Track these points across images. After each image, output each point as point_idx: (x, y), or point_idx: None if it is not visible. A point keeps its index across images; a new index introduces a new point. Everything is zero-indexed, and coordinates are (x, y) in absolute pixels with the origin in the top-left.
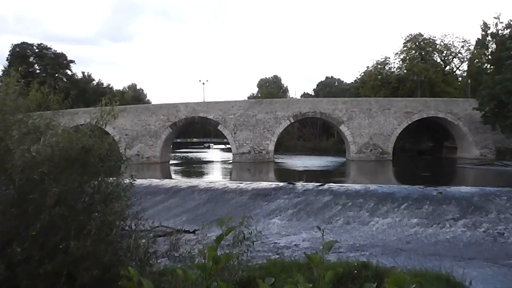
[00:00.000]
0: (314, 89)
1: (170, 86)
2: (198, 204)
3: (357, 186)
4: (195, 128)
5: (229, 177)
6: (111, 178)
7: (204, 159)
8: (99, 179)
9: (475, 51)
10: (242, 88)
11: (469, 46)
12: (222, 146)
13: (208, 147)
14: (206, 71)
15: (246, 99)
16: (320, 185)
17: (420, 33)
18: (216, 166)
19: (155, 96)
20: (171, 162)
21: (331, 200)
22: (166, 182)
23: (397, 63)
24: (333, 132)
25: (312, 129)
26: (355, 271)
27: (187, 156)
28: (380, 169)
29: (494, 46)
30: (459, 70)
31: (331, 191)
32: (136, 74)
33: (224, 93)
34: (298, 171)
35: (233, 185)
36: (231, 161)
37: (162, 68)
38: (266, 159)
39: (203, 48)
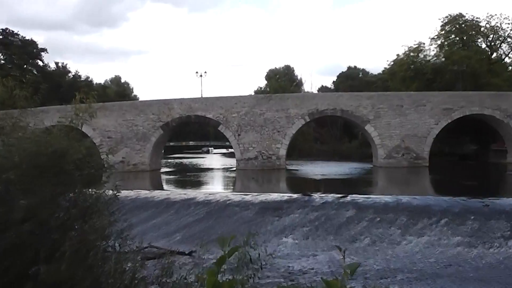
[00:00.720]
0: (333, 82)
1: (162, 80)
2: (195, 220)
3: (387, 198)
4: (191, 129)
5: (232, 187)
6: (90, 189)
7: (202, 166)
8: (76, 190)
9: None
10: (247, 82)
11: None
12: (224, 151)
13: (207, 152)
14: (205, 62)
15: (253, 94)
16: (341, 197)
17: (461, 13)
18: (217, 175)
19: (144, 91)
20: (163, 170)
21: (355, 215)
22: (157, 194)
23: (434, 50)
24: (357, 134)
25: (331, 130)
26: None
27: (182, 162)
28: (414, 177)
29: None
30: (509, 57)
31: (355, 204)
32: (120, 65)
33: (226, 87)
34: (315, 180)
35: (236, 197)
36: (234, 169)
37: (152, 59)
38: (276, 166)
39: (201, 35)
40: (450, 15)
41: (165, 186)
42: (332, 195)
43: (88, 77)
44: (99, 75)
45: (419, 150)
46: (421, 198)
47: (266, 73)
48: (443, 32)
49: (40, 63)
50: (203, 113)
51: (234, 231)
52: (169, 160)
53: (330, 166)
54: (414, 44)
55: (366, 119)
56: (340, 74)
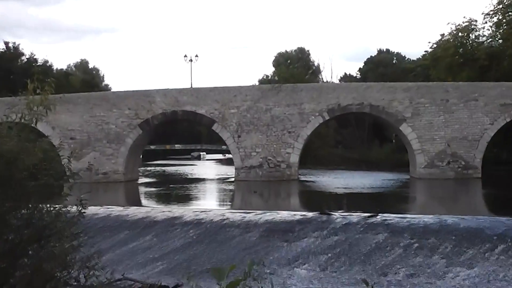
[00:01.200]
0: (360, 70)
1: (141, 66)
2: (182, 245)
3: (427, 219)
4: (178, 129)
5: (229, 203)
6: (48, 205)
7: (191, 176)
8: (30, 205)
9: None
10: (250, 69)
11: None
12: (219, 157)
13: (198, 158)
14: (196, 44)
15: (257, 84)
16: (369, 217)
17: None
18: (210, 187)
19: (118, 80)
20: (141, 180)
21: (386, 239)
22: (134, 212)
23: (489, 30)
24: (390, 136)
25: (357, 131)
26: None
27: (166, 171)
28: (462, 192)
29: None
30: None
31: (386, 225)
32: (88, 46)
33: (223, 76)
34: (335, 194)
35: (236, 215)
36: (233, 179)
37: (129, 38)
38: (286, 176)
39: (192, 9)
40: None
41: (144, 201)
42: (357, 214)
43: (46, 61)
44: (61, 59)
45: (469, 158)
46: (472, 219)
47: (274, 58)
48: (500, 6)
49: None
50: (193, 108)
51: (232, 260)
52: (150, 168)
53: (355, 177)
54: (464, 22)
55: (402, 117)
56: (368, 59)
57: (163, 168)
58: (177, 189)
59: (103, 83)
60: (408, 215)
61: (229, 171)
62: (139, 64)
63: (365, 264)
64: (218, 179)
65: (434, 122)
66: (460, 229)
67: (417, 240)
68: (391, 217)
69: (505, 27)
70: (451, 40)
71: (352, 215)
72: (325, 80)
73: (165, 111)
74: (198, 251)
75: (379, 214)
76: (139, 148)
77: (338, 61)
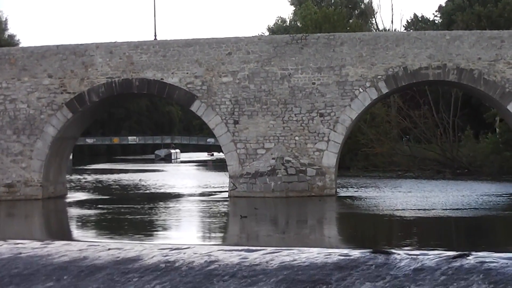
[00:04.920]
0: (439, 9)
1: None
2: None
3: None
4: (133, 110)
5: (220, 235)
6: None
7: (156, 190)
8: None
9: None
10: (254, 10)
11: None
12: (202, 156)
13: (167, 159)
14: None
15: (266, 34)
16: (456, 257)
17: None
18: (188, 209)
19: (32, 30)
20: (72, 196)
21: None
22: (59, 250)
23: None
24: (492, 122)
25: (436, 115)
26: None
27: (113, 181)
28: None
29: None
30: None
31: (485, 272)
32: None
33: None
34: (400, 220)
35: (231, 256)
36: (226, 195)
37: None
38: (316, 189)
39: None
40: None
41: (76, 233)
42: (436, 253)
43: None
44: None
45: None
46: None
47: None
48: None
49: None
50: (158, 76)
51: None
52: (86, 177)
53: (434, 190)
54: None
55: (511, 89)
56: None
57: (109, 176)
58: (133, 212)
59: (6, 33)
60: None
61: (220, 181)
62: (68, 7)
63: None
64: (201, 194)
65: None
66: None
67: None
68: (493, 258)
69: None
70: None
71: (428, 255)
72: (381, 28)
73: (110, 79)
74: None
75: (472, 253)
76: (68, 143)
77: None
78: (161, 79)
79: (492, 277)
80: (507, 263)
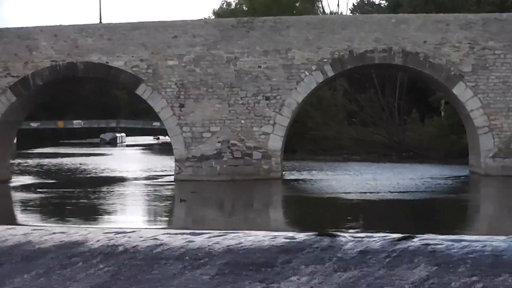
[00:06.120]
0: None
1: None
2: None
3: (499, 242)
4: (78, 94)
5: (166, 219)
6: None
7: (101, 174)
8: None
9: None
10: None
11: None
12: (148, 140)
13: (113, 142)
14: None
15: (212, 17)
16: (402, 240)
17: None
18: (133, 192)
19: None
20: (16, 180)
21: (430, 277)
22: (1, 235)
23: None
24: (437, 105)
25: (382, 98)
26: None
27: (58, 165)
28: None
29: None
30: None
31: (430, 254)
32: None
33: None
34: (346, 203)
35: (176, 239)
36: (172, 179)
37: None
38: (263, 172)
39: None
40: None
41: (20, 217)
42: (381, 235)
43: None
44: None
45: None
46: None
47: None
48: None
49: None
50: (103, 59)
51: None
52: (29, 161)
53: (380, 173)
54: None
55: (457, 72)
56: None
57: (54, 160)
58: (78, 196)
59: None
60: (466, 237)
61: (166, 165)
62: None
63: None
64: (146, 178)
65: (510, 81)
66: None
67: (481, 278)
68: (438, 240)
69: None
70: None
71: (373, 237)
72: (328, 11)
73: (55, 63)
74: None
75: (417, 236)
76: (11, 127)
77: None
78: (107, 62)
79: (437, 259)
80: (452, 245)
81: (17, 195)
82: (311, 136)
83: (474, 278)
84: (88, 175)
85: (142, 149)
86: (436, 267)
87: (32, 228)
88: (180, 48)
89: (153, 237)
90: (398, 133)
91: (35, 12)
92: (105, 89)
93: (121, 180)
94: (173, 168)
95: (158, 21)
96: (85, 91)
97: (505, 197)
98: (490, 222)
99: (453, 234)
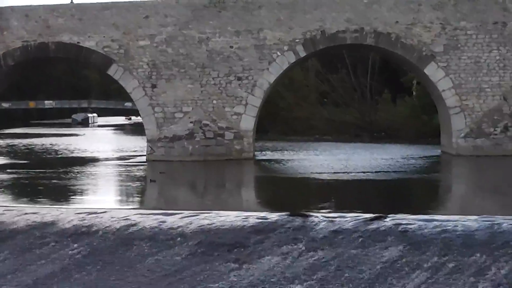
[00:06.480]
0: None
1: None
2: (56, 272)
3: (470, 222)
4: (50, 74)
5: (138, 199)
6: None
7: (73, 154)
8: None
9: None
10: None
11: None
12: (120, 120)
13: (85, 123)
14: None
15: None
16: (374, 220)
17: None
18: (105, 173)
19: None
20: None
21: (401, 257)
22: None
23: None
24: (409, 85)
25: (354, 78)
26: None
27: (30, 145)
28: None
29: None
30: None
31: (401, 233)
32: None
33: None
34: (318, 183)
35: (149, 220)
36: (144, 159)
37: None
38: (235, 153)
39: None
40: None
41: None
42: (353, 215)
43: None
44: None
45: None
46: None
47: None
48: None
49: None
50: (75, 39)
51: None
52: (0, 141)
53: (352, 153)
54: None
55: (428, 52)
56: None
57: (25, 140)
58: (49, 176)
59: None
60: (438, 217)
61: (138, 145)
62: None
63: None
64: (118, 158)
65: (482, 61)
66: None
67: (453, 257)
68: (410, 220)
69: None
70: None
71: (345, 217)
72: None
73: (26, 43)
74: (83, 283)
75: (389, 215)
76: None
77: None
78: (78, 42)
79: (408, 239)
80: (423, 225)
81: None
82: (283, 116)
83: (446, 258)
84: (60, 156)
85: (114, 129)
86: (408, 247)
87: (3, 209)
88: (151, 28)
89: (125, 218)
90: (370, 113)
91: None
92: (76, 69)
93: (93, 160)
94: (145, 149)
95: (129, 1)
96: (56, 71)
97: (476, 177)
98: (461, 202)
99: (425, 214)
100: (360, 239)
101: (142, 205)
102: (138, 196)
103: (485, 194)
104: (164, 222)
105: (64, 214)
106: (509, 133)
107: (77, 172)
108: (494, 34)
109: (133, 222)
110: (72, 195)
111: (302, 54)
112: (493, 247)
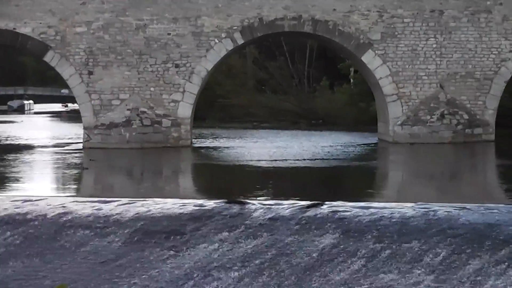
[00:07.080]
0: None
1: None
2: None
3: (406, 209)
4: None
5: (74, 187)
6: None
7: (8, 141)
8: None
9: None
10: None
11: None
12: (57, 107)
13: (20, 110)
14: None
15: None
16: (310, 207)
17: None
18: (41, 160)
19: None
20: None
21: (337, 244)
22: None
23: None
24: (346, 73)
25: (292, 66)
26: None
27: None
28: (464, 165)
29: None
30: None
31: (338, 221)
32: None
33: None
34: (255, 170)
35: (85, 208)
36: (80, 146)
37: None
38: (172, 140)
39: None
40: None
41: None
42: (290, 202)
43: None
44: None
45: (477, 108)
46: (479, 209)
47: None
48: None
49: None
50: (10, 25)
51: (79, 284)
52: None
53: (289, 141)
54: None
55: (366, 40)
56: None
57: None
58: None
59: None
60: (374, 204)
61: (74, 132)
62: None
63: (302, 285)
64: (54, 145)
65: (419, 49)
66: (460, 226)
67: (389, 245)
68: (346, 207)
69: None
70: None
71: (282, 205)
72: None
73: None
74: (19, 270)
75: (326, 203)
76: None
77: None
78: (14, 28)
79: (345, 226)
80: (360, 213)
81: None
82: (221, 103)
83: (382, 245)
84: None
85: (51, 116)
86: (345, 234)
87: None
88: (88, 14)
89: (61, 205)
90: (308, 100)
91: None
92: (12, 55)
93: (29, 147)
94: (82, 136)
95: None
96: None
97: (413, 164)
98: (398, 189)
99: (362, 201)
100: (296, 226)
101: (79, 192)
102: (74, 184)
103: (421, 181)
104: (100, 209)
105: None
106: (446, 120)
107: (12, 159)
108: (431, 22)
109: (69, 209)
110: (7, 183)
111: (240, 41)
112: (429, 233)
